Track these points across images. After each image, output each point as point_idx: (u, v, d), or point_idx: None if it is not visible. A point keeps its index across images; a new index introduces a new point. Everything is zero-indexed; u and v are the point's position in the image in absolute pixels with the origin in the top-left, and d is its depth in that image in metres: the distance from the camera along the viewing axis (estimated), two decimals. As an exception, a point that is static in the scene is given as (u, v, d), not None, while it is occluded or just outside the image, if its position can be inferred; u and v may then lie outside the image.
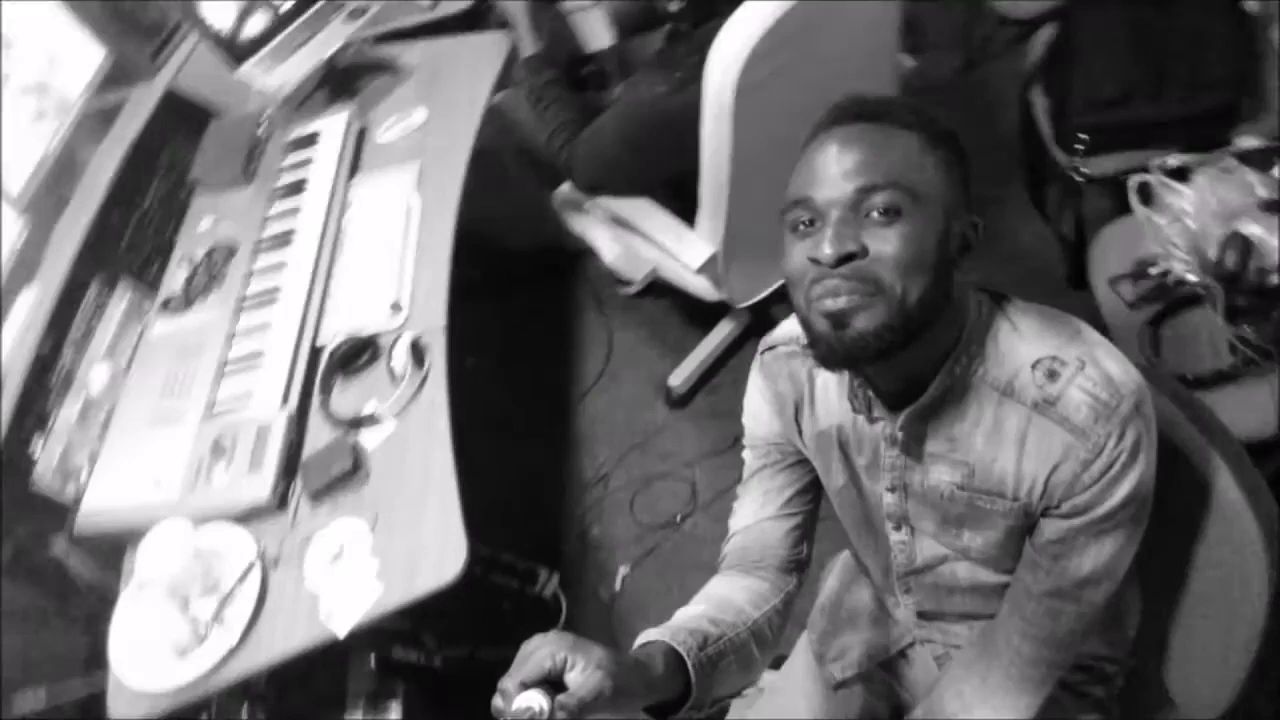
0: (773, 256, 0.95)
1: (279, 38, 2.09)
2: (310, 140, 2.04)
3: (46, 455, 1.58)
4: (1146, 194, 1.53)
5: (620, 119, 1.68)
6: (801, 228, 0.92)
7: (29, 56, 1.80)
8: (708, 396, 2.31)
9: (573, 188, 1.87)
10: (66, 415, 1.63)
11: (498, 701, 0.81)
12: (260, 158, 2.06)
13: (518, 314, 2.60)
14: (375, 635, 1.63)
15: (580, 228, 2.00)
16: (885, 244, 0.87)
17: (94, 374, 1.70)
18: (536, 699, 0.78)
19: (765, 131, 1.54)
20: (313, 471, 1.53)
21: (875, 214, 0.88)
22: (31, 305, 1.66)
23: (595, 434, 2.34)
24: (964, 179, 0.94)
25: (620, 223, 1.94)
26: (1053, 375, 0.92)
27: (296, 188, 1.95)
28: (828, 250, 0.87)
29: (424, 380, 1.61)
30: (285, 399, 1.61)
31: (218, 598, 1.43)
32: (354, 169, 2.02)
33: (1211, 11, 1.65)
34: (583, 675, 0.81)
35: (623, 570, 2.09)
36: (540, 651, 0.82)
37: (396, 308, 1.72)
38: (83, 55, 1.92)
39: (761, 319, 2.25)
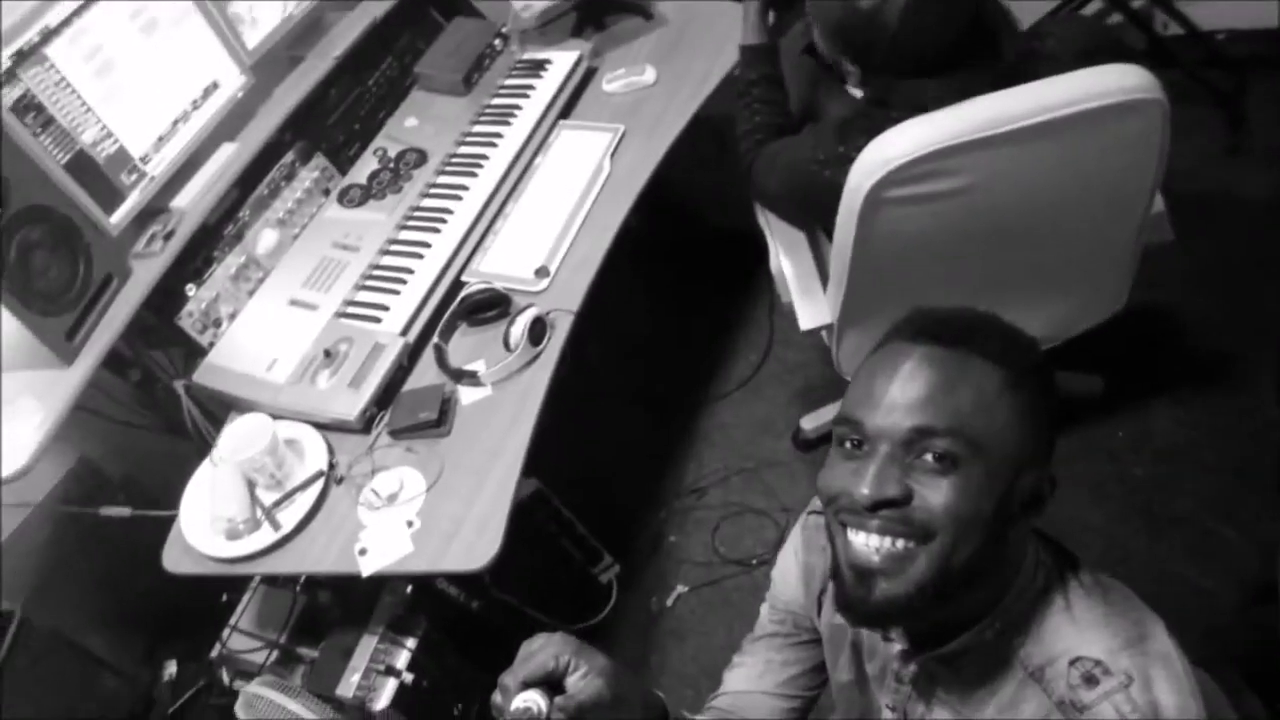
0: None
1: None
2: (538, 67, 2.01)
3: (198, 298, 1.69)
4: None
5: (786, 158, 1.59)
6: (849, 446, 0.82)
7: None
8: (836, 452, 2.16)
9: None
10: (227, 267, 1.74)
11: (496, 697, 0.81)
12: (486, 70, 2.05)
13: (694, 289, 2.52)
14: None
15: (762, 220, 1.88)
16: (935, 493, 0.77)
17: (263, 237, 1.79)
18: (536, 699, 0.78)
19: (897, 245, 1.41)
20: (402, 408, 1.56)
21: (929, 458, 0.78)
22: (228, 158, 1.75)
23: (712, 441, 2.26)
24: (1045, 425, 0.82)
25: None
26: (1090, 681, 0.80)
27: (505, 115, 1.94)
28: (864, 491, 0.78)
29: (534, 359, 1.59)
30: (409, 327, 1.64)
31: (280, 493, 1.51)
32: (568, 109, 1.98)
33: None
34: (583, 680, 0.80)
35: (680, 589, 2.04)
36: (544, 652, 0.82)
37: (543, 272, 1.69)
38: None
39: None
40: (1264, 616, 1.52)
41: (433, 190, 1.84)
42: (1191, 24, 2.39)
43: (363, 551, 1.43)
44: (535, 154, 1.89)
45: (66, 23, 1.46)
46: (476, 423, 1.54)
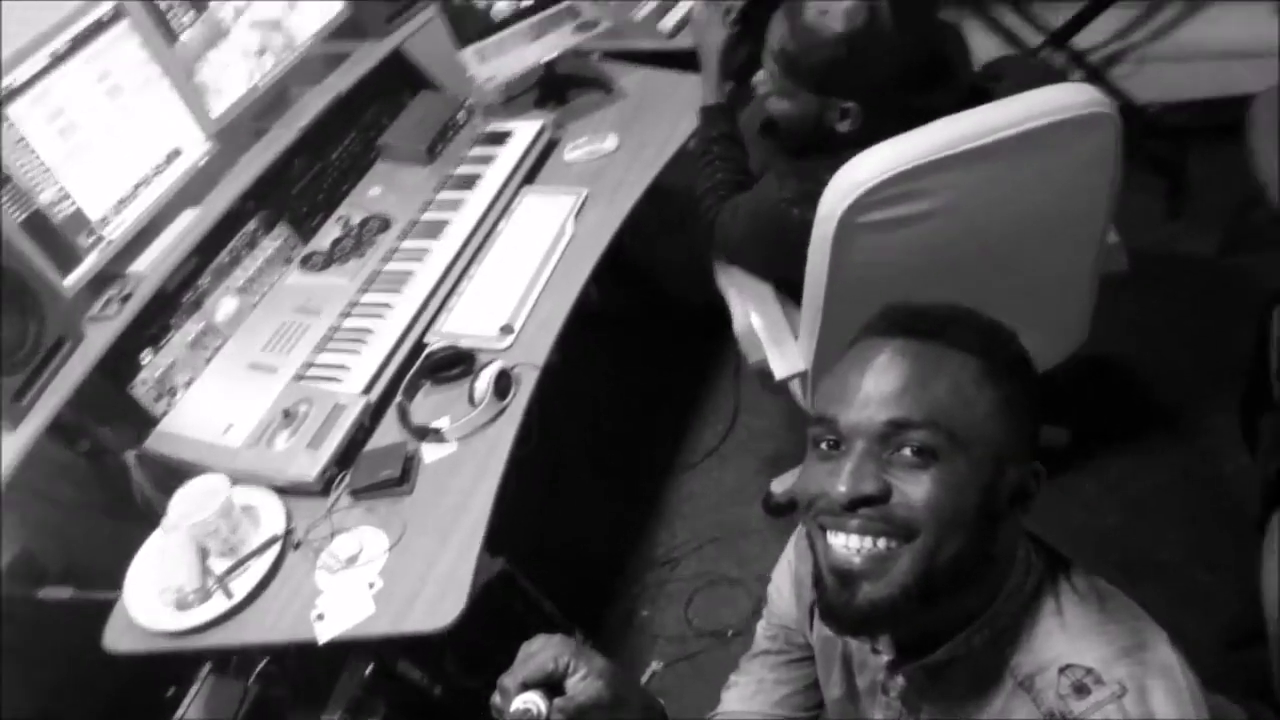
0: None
1: (510, 30, 2.11)
2: (501, 138, 2.04)
3: (154, 365, 1.65)
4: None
5: (750, 207, 1.60)
6: (824, 447, 0.79)
7: (274, -4, 1.89)
8: (808, 515, 2.12)
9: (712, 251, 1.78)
10: (184, 334, 1.70)
11: (496, 698, 0.81)
12: (450, 141, 2.08)
13: (657, 361, 2.52)
14: (385, 641, 1.60)
15: (724, 285, 1.89)
16: (915, 488, 0.75)
17: (223, 304, 1.77)
18: (535, 700, 0.78)
19: (871, 273, 1.41)
20: (363, 468, 1.51)
21: (907, 452, 0.75)
22: (189, 224, 1.73)
23: (682, 511, 2.22)
24: (1029, 418, 0.80)
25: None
26: (1080, 690, 0.75)
27: (469, 182, 1.95)
28: (841, 489, 0.75)
29: (500, 413, 1.56)
30: (371, 386, 1.61)
31: (233, 560, 1.44)
32: (531, 177, 2.00)
33: None
34: (583, 682, 0.80)
35: (654, 665, 1.96)
36: (544, 653, 0.81)
37: (507, 330, 1.68)
38: (323, 5, 1.99)
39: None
40: (1251, 659, 1.49)
41: (396, 254, 1.83)
42: (1128, 97, 2.50)
43: (320, 617, 1.36)
44: (499, 218, 1.90)
45: (30, 84, 1.46)
46: (441, 480, 1.50)
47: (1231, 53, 2.45)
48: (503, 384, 1.57)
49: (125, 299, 1.62)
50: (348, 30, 2.07)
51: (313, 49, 1.98)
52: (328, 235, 1.90)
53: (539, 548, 1.90)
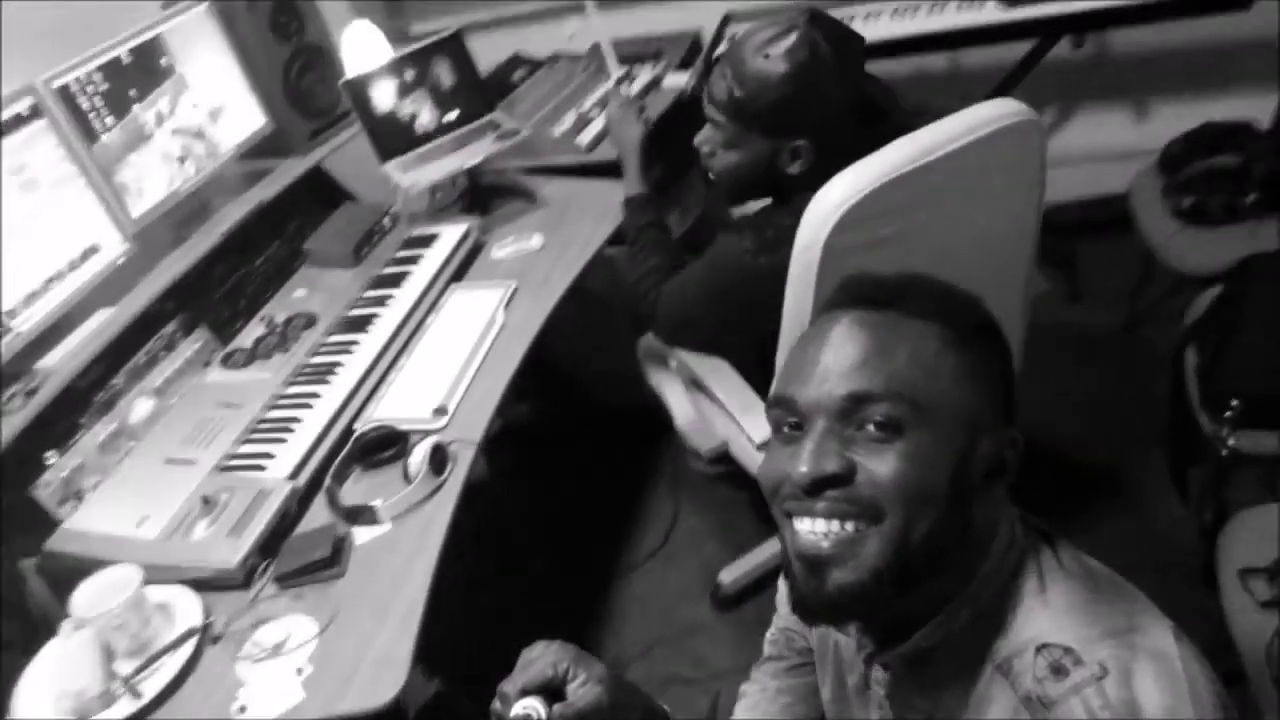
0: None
1: (432, 144, 2.17)
2: (427, 240, 2.06)
3: (59, 467, 1.54)
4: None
5: (706, 269, 1.59)
6: (786, 430, 0.76)
7: (199, 104, 1.92)
8: (759, 604, 2.05)
9: (655, 336, 1.77)
10: (94, 435, 1.60)
11: (496, 704, 0.80)
12: (375, 245, 2.09)
13: (589, 467, 2.47)
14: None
15: (658, 383, 1.89)
16: (881, 464, 0.71)
17: (137, 405, 1.68)
18: (535, 706, 0.78)
19: None
20: (289, 554, 1.42)
21: (871, 427, 0.72)
22: (102, 323, 1.67)
23: (629, 614, 2.12)
24: (999, 384, 0.77)
25: (696, 384, 1.81)
26: (1058, 671, 0.69)
27: (396, 280, 1.95)
28: (802, 469, 0.72)
29: (436, 490, 1.49)
30: (298, 472, 1.53)
31: (142, 660, 1.31)
32: (459, 275, 2.01)
33: None
34: (583, 688, 0.79)
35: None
36: (543, 659, 0.81)
37: (440, 411, 1.63)
38: (248, 118, 2.03)
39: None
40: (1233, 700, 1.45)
41: (322, 348, 1.79)
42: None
43: (242, 709, 1.23)
44: (428, 313, 1.89)
45: (-62, 172, 1.43)
46: (375, 559, 1.41)
47: (1101, 156, 2.68)
48: (438, 459, 1.51)
49: (30, 394, 1.53)
50: (271, 144, 2.10)
51: (235, 160, 2.00)
52: (251, 334, 1.86)
53: (479, 667, 1.77)
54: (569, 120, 2.47)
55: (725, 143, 1.50)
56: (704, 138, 1.54)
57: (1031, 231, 1.54)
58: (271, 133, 2.08)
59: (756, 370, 1.67)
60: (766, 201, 1.56)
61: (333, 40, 2.22)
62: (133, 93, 1.77)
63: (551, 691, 0.80)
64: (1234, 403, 1.46)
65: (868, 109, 1.45)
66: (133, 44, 1.78)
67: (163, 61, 1.85)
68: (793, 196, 1.39)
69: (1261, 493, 1.47)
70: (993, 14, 2.28)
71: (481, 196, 2.25)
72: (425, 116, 2.19)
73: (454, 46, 2.21)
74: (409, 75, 2.14)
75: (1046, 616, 0.73)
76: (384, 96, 2.12)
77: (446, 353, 1.77)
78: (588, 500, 2.42)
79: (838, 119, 1.42)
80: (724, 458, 1.83)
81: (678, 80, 2.49)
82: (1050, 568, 0.77)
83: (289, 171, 2.10)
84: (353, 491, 1.55)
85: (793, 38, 1.37)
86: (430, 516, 1.46)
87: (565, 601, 2.17)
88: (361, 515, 1.47)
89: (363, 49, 2.27)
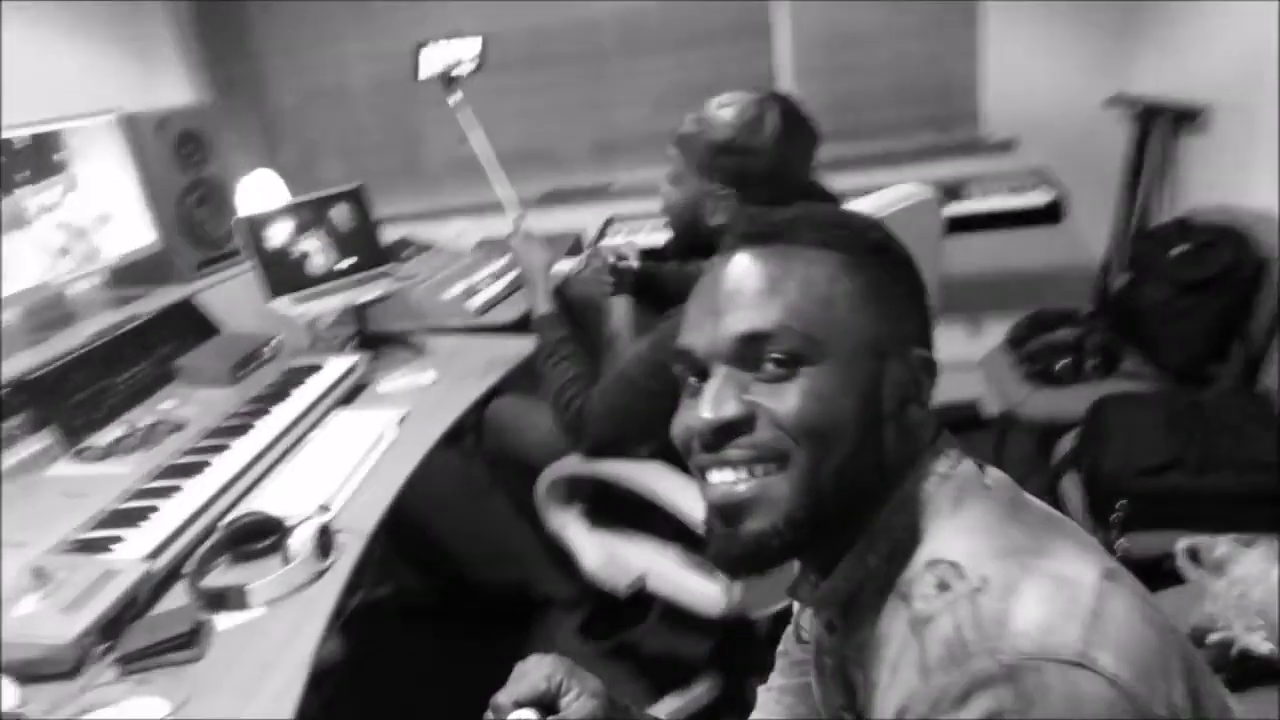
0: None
1: (324, 285, 2.15)
2: (311, 370, 1.98)
3: None
4: (1195, 557, 1.32)
5: (649, 349, 1.57)
6: (692, 383, 0.74)
7: (88, 205, 1.85)
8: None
9: (578, 454, 1.69)
10: (-100, 518, 1.36)
11: (489, 716, 0.81)
12: (255, 370, 1.98)
13: (462, 649, 2.25)
14: None
15: (561, 525, 1.80)
16: (781, 404, 0.68)
17: (-39, 491, 1.46)
18: (529, 718, 0.80)
19: None
20: (138, 633, 1.20)
21: (770, 366, 0.69)
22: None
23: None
24: (903, 303, 0.73)
25: (607, 517, 1.76)
26: (943, 587, 0.64)
27: (276, 396, 1.84)
28: (705, 415, 0.69)
29: (319, 575, 1.33)
30: (156, 555, 1.34)
31: (-72, 749, 1.04)
32: (344, 402, 1.92)
33: (1249, 403, 1.58)
34: (577, 701, 0.81)
35: None
36: (537, 671, 0.82)
37: (324, 509, 1.49)
38: (136, 232, 1.97)
39: (738, 690, 1.90)
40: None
41: (191, 451, 1.63)
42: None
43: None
44: (311, 428, 1.78)
45: None
46: (242, 649, 1.21)
47: (946, 367, 2.94)
48: (324, 541, 1.36)
49: None
50: (154, 271, 2.02)
51: (111, 285, 1.91)
52: (109, 435, 1.67)
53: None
54: (459, 288, 2.52)
55: (673, 177, 1.60)
56: (665, 175, 1.63)
57: (935, 296, 1.66)
58: (158, 254, 2.01)
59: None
60: None
61: (236, 180, 2.23)
62: (20, 176, 1.70)
63: (545, 704, 0.81)
64: (1120, 503, 1.54)
65: (799, 194, 1.55)
66: (32, 131, 1.73)
67: (57, 157, 1.80)
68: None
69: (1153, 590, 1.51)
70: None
71: (370, 342, 2.20)
72: (319, 259, 2.19)
73: (356, 197, 2.27)
74: (306, 218, 2.16)
75: (948, 533, 0.68)
76: (279, 235, 2.12)
77: (332, 459, 1.65)
78: (455, 683, 2.18)
79: (763, 184, 1.51)
80: (642, 595, 1.73)
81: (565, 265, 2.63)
82: (971, 488, 0.71)
83: (169, 295, 2.01)
84: (221, 580, 1.35)
85: (751, 99, 1.52)
86: (311, 602, 1.29)
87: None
88: (228, 598, 1.28)
89: (262, 194, 2.29)
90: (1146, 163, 2.63)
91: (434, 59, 1.94)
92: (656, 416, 1.57)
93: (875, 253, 0.73)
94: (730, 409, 0.69)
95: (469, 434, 2.16)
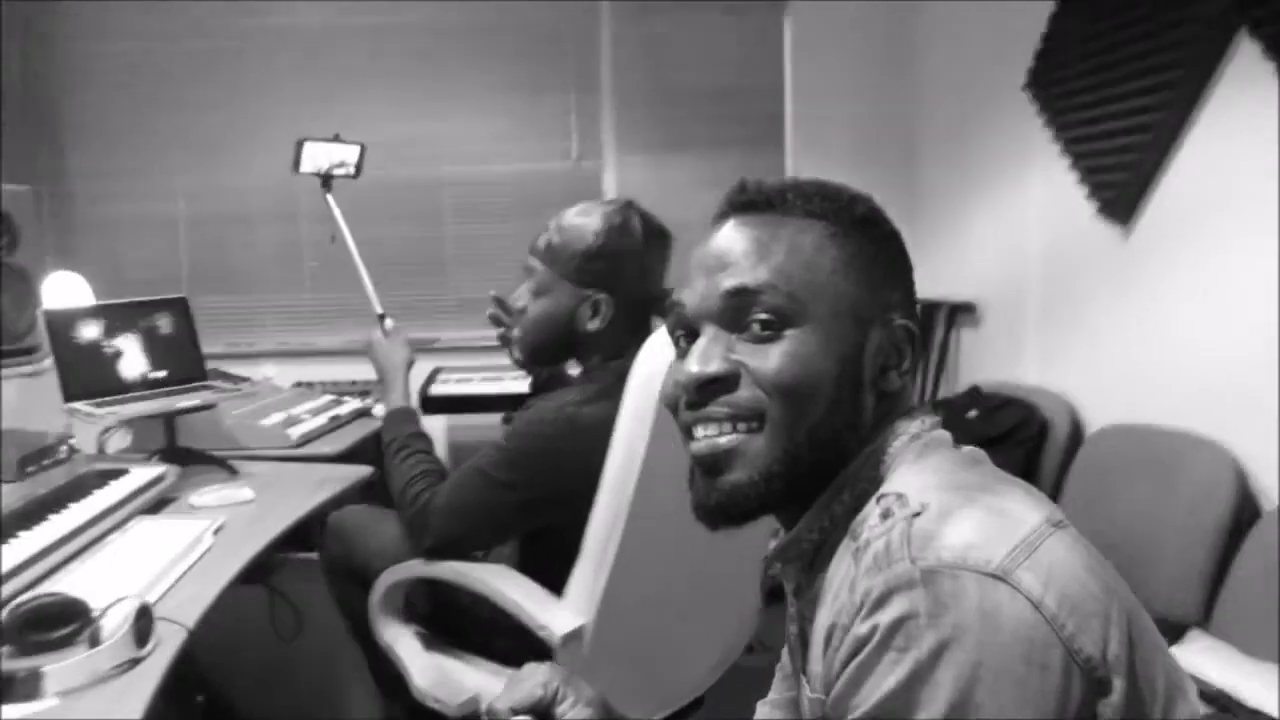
0: (670, 665, 0.89)
1: (132, 394, 1.98)
2: (114, 474, 1.77)
3: None
4: None
5: (506, 438, 1.53)
6: (682, 344, 0.77)
7: None
8: None
9: (420, 554, 1.57)
10: None
11: None
12: (46, 468, 1.73)
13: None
14: None
15: (392, 639, 1.64)
16: (764, 363, 0.71)
17: None
18: None
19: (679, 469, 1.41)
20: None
21: (755, 326, 0.72)
22: None
23: None
24: (887, 272, 0.77)
25: (446, 642, 1.65)
26: (885, 515, 0.66)
27: (73, 494, 1.62)
28: (691, 368, 0.73)
29: (133, 663, 1.14)
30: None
31: None
32: (149, 511, 1.72)
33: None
34: (573, 709, 0.82)
35: None
36: (533, 679, 0.84)
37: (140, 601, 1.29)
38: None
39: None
40: None
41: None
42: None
43: None
44: (111, 530, 1.57)
45: None
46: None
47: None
48: (142, 625, 1.18)
49: None
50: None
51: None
52: None
53: None
54: (277, 417, 2.38)
55: (536, 289, 1.58)
56: (518, 293, 1.61)
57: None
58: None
59: (545, 563, 1.54)
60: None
61: (41, 276, 2.05)
62: None
63: (541, 712, 0.82)
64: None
65: (664, 292, 1.60)
66: None
67: None
68: (589, 358, 1.47)
69: None
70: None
71: (180, 457, 2.01)
72: (131, 367, 2.02)
73: (179, 308, 2.14)
74: (121, 321, 2.02)
75: (907, 473, 0.70)
76: (88, 334, 1.96)
77: (143, 557, 1.46)
78: None
79: (637, 288, 1.56)
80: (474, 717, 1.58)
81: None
82: (938, 446, 0.73)
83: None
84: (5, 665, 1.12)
85: (610, 206, 1.58)
86: (120, 695, 1.09)
87: None
88: (15, 686, 1.07)
89: (67, 295, 2.12)
90: (932, 349, 2.96)
91: (317, 156, 1.94)
92: (508, 511, 1.55)
93: (862, 225, 0.76)
94: (715, 365, 0.72)
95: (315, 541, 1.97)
